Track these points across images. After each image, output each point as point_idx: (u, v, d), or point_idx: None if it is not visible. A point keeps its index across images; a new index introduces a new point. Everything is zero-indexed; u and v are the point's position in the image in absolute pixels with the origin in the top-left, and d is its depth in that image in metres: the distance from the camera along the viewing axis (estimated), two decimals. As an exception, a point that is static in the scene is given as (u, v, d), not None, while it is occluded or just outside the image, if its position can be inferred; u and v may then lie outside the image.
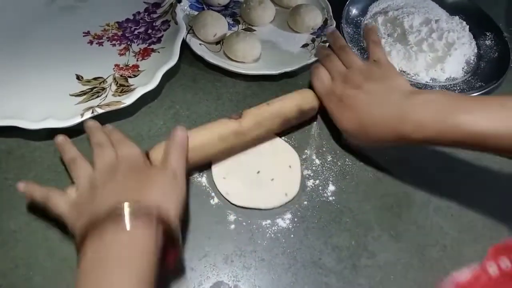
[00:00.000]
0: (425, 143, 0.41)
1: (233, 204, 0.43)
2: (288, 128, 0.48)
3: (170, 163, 0.38)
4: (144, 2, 0.58)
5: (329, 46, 0.54)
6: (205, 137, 0.42)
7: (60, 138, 0.41)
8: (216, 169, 0.44)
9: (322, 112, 0.50)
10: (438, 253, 0.42)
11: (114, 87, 0.49)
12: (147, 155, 0.40)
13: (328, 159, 0.47)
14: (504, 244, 0.32)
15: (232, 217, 0.42)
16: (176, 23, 0.54)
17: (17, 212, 0.40)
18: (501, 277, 0.30)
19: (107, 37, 0.55)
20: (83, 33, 0.55)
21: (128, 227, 0.32)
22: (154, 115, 0.49)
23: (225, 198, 0.43)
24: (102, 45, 0.54)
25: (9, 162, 0.43)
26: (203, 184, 0.44)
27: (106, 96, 0.48)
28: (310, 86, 0.50)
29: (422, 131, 0.39)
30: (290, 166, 0.46)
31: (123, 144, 0.40)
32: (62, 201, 0.36)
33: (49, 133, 0.43)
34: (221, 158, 0.45)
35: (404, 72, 0.58)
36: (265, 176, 0.45)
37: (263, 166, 0.45)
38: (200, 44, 0.55)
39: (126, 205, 0.32)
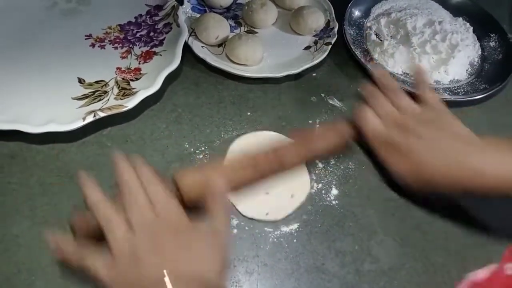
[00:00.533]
0: (484, 191, 0.39)
1: (242, 214, 0.42)
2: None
3: (214, 222, 0.33)
4: (146, 5, 0.58)
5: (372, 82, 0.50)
6: (243, 176, 0.39)
7: (90, 190, 0.34)
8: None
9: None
10: (442, 258, 0.42)
11: (116, 90, 0.49)
12: (174, 181, 0.37)
13: (331, 163, 0.47)
14: None
15: (234, 222, 0.42)
16: (178, 25, 0.54)
17: (20, 216, 0.40)
18: None
19: (109, 40, 0.55)
20: (85, 36, 0.55)
21: None
22: (156, 118, 0.49)
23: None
24: (104, 48, 0.54)
25: (11, 167, 0.43)
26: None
27: (108, 99, 0.48)
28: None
29: (482, 180, 0.39)
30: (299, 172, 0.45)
31: (161, 198, 0.34)
32: (100, 264, 0.31)
33: (51, 137, 0.43)
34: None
35: (407, 74, 0.58)
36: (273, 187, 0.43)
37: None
38: (202, 46, 0.54)
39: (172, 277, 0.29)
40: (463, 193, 0.41)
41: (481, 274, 0.36)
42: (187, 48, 0.54)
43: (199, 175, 0.37)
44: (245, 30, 0.59)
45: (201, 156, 0.46)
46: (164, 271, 0.30)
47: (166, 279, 0.29)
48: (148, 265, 0.30)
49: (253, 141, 0.48)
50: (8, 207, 0.41)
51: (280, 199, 0.43)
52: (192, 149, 0.46)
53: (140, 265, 0.30)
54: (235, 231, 0.41)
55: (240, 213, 0.42)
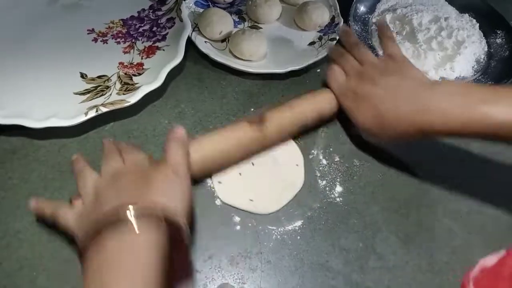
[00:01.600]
0: (448, 135, 0.40)
1: (233, 207, 0.42)
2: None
3: (169, 160, 0.36)
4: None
5: (341, 45, 0.52)
6: (224, 144, 0.41)
7: (75, 156, 0.40)
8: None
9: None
10: (447, 255, 0.41)
11: (118, 85, 0.49)
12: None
13: (335, 160, 0.47)
14: None
15: (237, 218, 0.41)
16: (181, 20, 0.53)
17: (21, 212, 0.40)
18: None
19: (111, 35, 0.54)
20: (88, 30, 0.55)
21: (133, 229, 0.31)
22: (159, 114, 0.48)
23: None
24: (107, 43, 0.54)
25: (13, 162, 0.43)
26: (208, 184, 0.43)
27: (110, 94, 0.47)
28: (324, 87, 0.49)
29: (446, 122, 0.38)
30: (297, 165, 0.45)
31: (130, 151, 0.38)
32: (69, 214, 0.35)
33: (53, 132, 0.43)
34: (234, 164, 0.44)
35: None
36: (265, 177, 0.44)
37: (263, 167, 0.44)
38: (205, 42, 0.54)
39: (129, 208, 0.31)
40: (424, 137, 0.41)
41: (491, 260, 0.36)
42: (190, 43, 0.53)
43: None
44: (249, 25, 0.58)
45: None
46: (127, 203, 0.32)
47: (121, 208, 0.31)
48: (106, 198, 0.33)
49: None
50: (9, 202, 0.40)
51: (271, 190, 0.43)
52: (195, 145, 0.46)
53: (101, 201, 0.33)
54: (238, 227, 0.41)
55: (220, 199, 0.42)
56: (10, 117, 0.43)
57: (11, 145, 0.44)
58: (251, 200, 0.42)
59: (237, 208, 0.42)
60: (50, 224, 0.37)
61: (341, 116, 0.48)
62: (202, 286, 0.37)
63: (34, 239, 0.38)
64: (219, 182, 0.43)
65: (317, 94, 0.47)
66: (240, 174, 0.43)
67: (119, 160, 0.37)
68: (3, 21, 0.53)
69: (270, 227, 0.41)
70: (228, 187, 0.43)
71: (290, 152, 0.46)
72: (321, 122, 0.48)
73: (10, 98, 0.46)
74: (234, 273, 0.38)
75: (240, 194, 0.42)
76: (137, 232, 0.31)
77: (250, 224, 0.41)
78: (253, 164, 0.44)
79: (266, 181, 0.44)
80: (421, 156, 0.48)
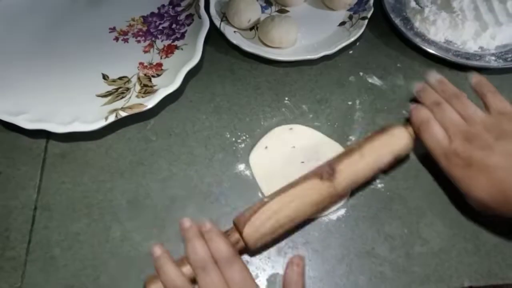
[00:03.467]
0: None
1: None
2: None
3: None
4: (168, -6, 0.57)
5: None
6: (299, 208, 0.38)
7: (187, 224, 0.36)
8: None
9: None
10: (493, 237, 0.41)
11: (138, 87, 0.49)
12: (234, 225, 0.37)
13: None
14: None
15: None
16: (199, 17, 0.53)
17: (77, 214, 0.42)
18: None
19: (132, 33, 0.54)
20: (109, 29, 0.55)
21: None
22: (196, 109, 0.49)
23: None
24: (128, 42, 0.54)
25: (63, 166, 0.45)
26: (250, 177, 0.44)
27: (130, 97, 0.48)
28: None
29: None
30: None
31: (232, 266, 0.34)
32: None
33: (99, 133, 0.45)
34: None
35: (451, 42, 0.55)
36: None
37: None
38: (234, 32, 0.53)
39: None
40: None
41: None
42: (219, 34, 0.53)
43: (258, 222, 0.37)
44: (276, 9, 0.57)
45: (243, 145, 0.46)
46: None
47: None
48: None
49: (288, 138, 0.47)
50: (65, 206, 0.43)
51: None
52: (233, 139, 0.47)
53: None
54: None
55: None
56: (34, 121, 0.44)
57: (60, 149, 0.46)
58: None
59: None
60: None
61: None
62: (254, 276, 0.39)
63: (93, 240, 0.41)
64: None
65: (391, 133, 0.41)
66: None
67: (221, 281, 0.33)
68: (28, 22, 0.54)
69: (314, 218, 0.42)
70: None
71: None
72: (396, 163, 0.44)
73: (34, 101, 0.47)
74: (283, 263, 0.40)
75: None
76: None
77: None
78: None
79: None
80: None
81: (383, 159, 0.40)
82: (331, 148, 0.45)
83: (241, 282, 0.33)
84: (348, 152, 0.40)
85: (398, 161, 0.43)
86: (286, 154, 0.45)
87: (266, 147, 0.46)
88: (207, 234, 0.35)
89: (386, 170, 0.43)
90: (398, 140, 0.41)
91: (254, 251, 0.39)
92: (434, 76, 0.45)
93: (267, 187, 0.43)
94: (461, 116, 0.41)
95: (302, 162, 0.45)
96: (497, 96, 0.41)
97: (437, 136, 0.41)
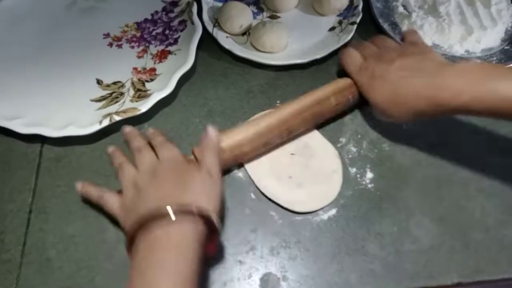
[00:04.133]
0: (461, 111, 0.41)
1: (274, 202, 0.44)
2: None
3: (204, 163, 0.39)
4: (162, 1, 0.58)
5: None
6: (247, 132, 0.43)
7: (111, 149, 0.43)
8: (251, 168, 0.46)
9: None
10: (481, 234, 0.42)
11: (132, 92, 0.50)
12: (193, 152, 0.42)
13: (364, 146, 0.47)
14: None
15: (274, 210, 0.43)
16: (192, 23, 0.54)
17: (73, 217, 0.43)
18: None
19: (126, 39, 0.55)
20: (103, 35, 0.56)
21: (172, 224, 0.34)
22: (189, 113, 0.50)
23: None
24: (121, 48, 0.55)
25: (58, 170, 0.46)
26: (243, 179, 0.45)
27: (124, 102, 0.49)
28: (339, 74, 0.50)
29: (459, 97, 0.39)
30: (333, 171, 0.45)
31: (163, 147, 0.41)
32: (114, 202, 0.39)
33: (94, 137, 0.46)
34: (260, 153, 0.46)
35: (438, 45, 0.57)
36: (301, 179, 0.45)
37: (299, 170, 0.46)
38: (227, 37, 0.54)
39: (169, 206, 0.34)
40: (440, 114, 0.42)
41: None
42: (212, 40, 0.54)
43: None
44: (268, 15, 0.58)
45: (236, 148, 0.47)
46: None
47: (163, 206, 0.34)
48: (146, 195, 0.37)
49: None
50: (61, 209, 0.43)
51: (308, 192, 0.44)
52: (226, 142, 0.48)
53: (140, 195, 0.37)
54: (275, 218, 0.43)
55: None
56: (29, 126, 0.45)
57: (54, 153, 0.47)
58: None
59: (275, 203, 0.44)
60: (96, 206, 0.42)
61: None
62: (247, 276, 0.40)
63: (88, 242, 0.41)
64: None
65: (335, 81, 0.48)
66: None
67: (152, 156, 0.40)
68: (23, 28, 0.55)
69: (306, 218, 0.43)
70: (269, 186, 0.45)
71: (328, 158, 0.47)
72: (344, 107, 0.48)
73: (29, 106, 0.48)
74: (276, 263, 0.41)
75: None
76: (178, 226, 0.34)
77: (287, 215, 0.43)
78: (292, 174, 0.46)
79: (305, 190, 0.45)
80: (450, 135, 0.48)
81: (325, 97, 0.46)
82: (323, 146, 0.47)
83: (170, 158, 0.39)
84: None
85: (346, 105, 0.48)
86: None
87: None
88: (151, 136, 0.43)
89: (334, 112, 0.48)
90: (343, 86, 0.47)
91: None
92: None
93: (257, 177, 0.45)
94: (378, 48, 0.48)
95: (292, 154, 0.46)
96: (413, 32, 0.50)
97: (353, 59, 0.48)
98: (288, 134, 0.45)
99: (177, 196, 0.36)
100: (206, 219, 0.35)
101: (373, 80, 0.44)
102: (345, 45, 0.54)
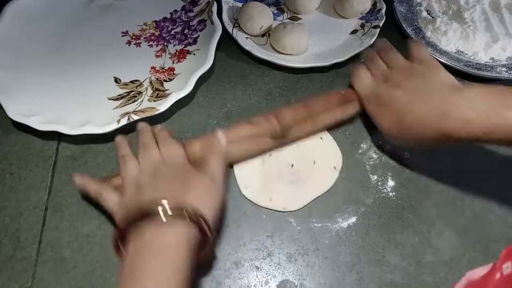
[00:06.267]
0: (470, 141, 0.39)
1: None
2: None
3: (210, 168, 0.39)
4: (181, 0, 0.57)
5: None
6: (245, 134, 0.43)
7: (118, 138, 0.43)
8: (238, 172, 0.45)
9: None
10: (503, 246, 0.41)
11: (150, 91, 0.49)
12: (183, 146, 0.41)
13: (385, 153, 0.46)
14: None
15: (292, 217, 0.42)
16: (212, 23, 0.53)
17: (88, 217, 0.42)
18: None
19: (144, 38, 0.55)
20: (122, 33, 0.55)
21: (163, 227, 0.33)
22: (207, 114, 0.49)
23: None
24: (140, 46, 0.54)
25: (74, 168, 0.45)
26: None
27: (142, 101, 0.48)
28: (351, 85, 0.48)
29: (467, 128, 0.38)
30: (314, 162, 0.45)
31: (167, 145, 0.41)
32: (112, 200, 0.38)
33: (110, 136, 0.45)
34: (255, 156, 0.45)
35: (462, 52, 0.55)
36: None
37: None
38: (246, 38, 0.54)
39: (164, 204, 0.34)
40: (448, 143, 0.40)
41: (477, 273, 0.35)
42: (231, 40, 0.53)
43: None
44: (288, 16, 0.57)
45: (254, 151, 0.46)
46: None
47: (157, 204, 0.34)
48: (145, 192, 0.36)
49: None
50: (76, 208, 0.43)
51: (299, 187, 0.44)
52: (244, 144, 0.47)
53: (140, 193, 0.36)
54: (293, 225, 0.42)
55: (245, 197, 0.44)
56: (46, 123, 0.45)
57: (71, 151, 0.46)
58: (270, 199, 0.43)
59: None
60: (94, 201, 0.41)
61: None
62: (264, 282, 0.39)
63: (102, 242, 0.41)
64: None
65: (340, 96, 0.47)
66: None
67: (156, 153, 0.39)
68: (41, 26, 0.54)
69: (325, 225, 0.42)
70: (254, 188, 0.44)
71: (330, 154, 0.46)
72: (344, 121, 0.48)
73: (47, 103, 0.48)
74: (293, 270, 0.40)
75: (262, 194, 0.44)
76: (169, 226, 0.33)
77: (305, 222, 0.42)
78: (292, 165, 0.45)
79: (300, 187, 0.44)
80: (469, 147, 0.47)
81: (328, 121, 0.46)
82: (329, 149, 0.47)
83: (173, 158, 0.39)
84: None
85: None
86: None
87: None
88: (157, 133, 0.42)
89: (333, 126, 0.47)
90: (344, 104, 0.47)
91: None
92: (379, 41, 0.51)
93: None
94: (386, 64, 0.46)
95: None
96: (419, 45, 0.46)
97: (362, 78, 0.47)
98: (277, 122, 0.44)
99: (174, 198, 0.35)
100: (199, 225, 0.34)
101: (380, 108, 0.44)
102: (368, 48, 0.53)
